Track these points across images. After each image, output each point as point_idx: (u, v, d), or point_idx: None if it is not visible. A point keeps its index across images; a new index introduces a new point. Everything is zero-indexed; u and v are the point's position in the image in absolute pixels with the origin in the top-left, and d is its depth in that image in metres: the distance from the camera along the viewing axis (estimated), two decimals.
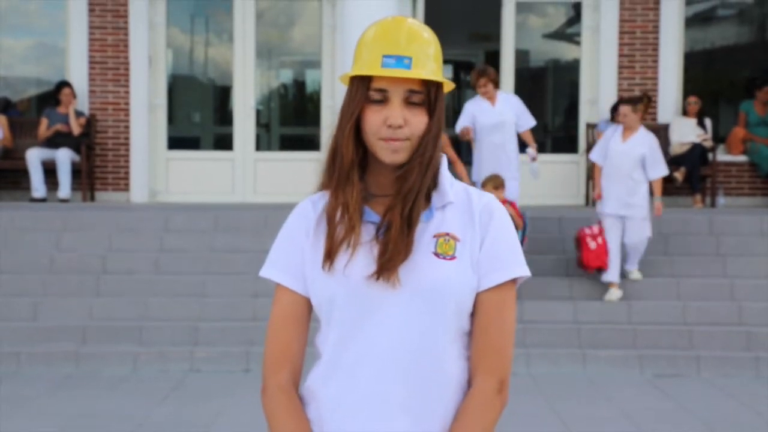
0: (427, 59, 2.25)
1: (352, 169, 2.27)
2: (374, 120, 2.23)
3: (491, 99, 10.04)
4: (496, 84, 10.06)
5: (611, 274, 9.61)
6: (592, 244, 9.62)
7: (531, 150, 10.12)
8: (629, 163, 9.56)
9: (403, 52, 2.22)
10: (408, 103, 2.23)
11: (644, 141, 9.62)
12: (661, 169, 9.61)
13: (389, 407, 2.22)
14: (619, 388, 8.53)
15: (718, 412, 7.78)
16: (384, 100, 2.23)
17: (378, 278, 2.22)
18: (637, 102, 9.69)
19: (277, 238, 2.38)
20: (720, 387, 8.64)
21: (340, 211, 2.27)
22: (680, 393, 8.36)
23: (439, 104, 2.27)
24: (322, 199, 2.33)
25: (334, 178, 2.28)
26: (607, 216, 9.66)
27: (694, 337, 9.36)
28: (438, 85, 2.27)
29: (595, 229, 9.71)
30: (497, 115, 9.99)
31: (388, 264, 2.21)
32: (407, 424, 2.23)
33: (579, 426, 7.33)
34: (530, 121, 10.15)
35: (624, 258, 9.88)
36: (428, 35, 2.29)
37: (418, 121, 2.23)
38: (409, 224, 2.23)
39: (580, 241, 9.72)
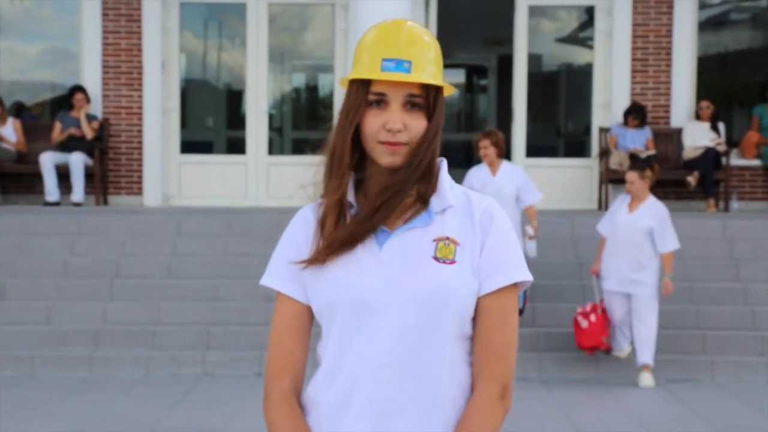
0: (427, 63, 2.24)
1: (349, 173, 2.27)
2: (373, 124, 2.21)
3: (492, 166, 9.29)
4: (500, 150, 9.29)
5: (623, 349, 8.89)
6: (584, 323, 8.79)
7: (529, 228, 9.29)
8: (635, 235, 8.67)
9: (403, 55, 2.21)
10: (407, 107, 2.22)
11: (653, 212, 8.72)
12: (671, 243, 8.69)
13: (390, 413, 2.21)
14: (631, 393, 8.52)
15: (731, 417, 7.76)
16: (383, 104, 2.22)
17: (309, 264, 2.24)
18: (644, 167, 8.75)
19: (278, 245, 2.37)
20: (733, 392, 8.61)
21: (336, 214, 2.26)
22: (693, 398, 8.34)
23: (438, 108, 2.25)
24: (323, 205, 2.32)
25: (333, 182, 2.28)
26: (611, 293, 8.81)
27: (708, 341, 9.33)
28: (438, 89, 2.25)
29: (588, 306, 8.89)
30: (496, 187, 9.07)
31: (328, 246, 2.23)
32: (409, 430, 2.22)
33: (591, 431, 7.32)
34: (534, 195, 9.28)
35: (632, 349, 8.93)
36: (428, 38, 2.27)
37: (416, 125, 2.22)
38: (375, 213, 2.22)
39: (573, 322, 8.99)
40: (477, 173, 9.38)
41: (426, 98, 2.23)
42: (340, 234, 2.24)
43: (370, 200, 2.26)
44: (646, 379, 8.71)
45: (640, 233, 8.66)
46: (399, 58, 2.20)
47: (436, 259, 2.22)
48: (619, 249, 8.73)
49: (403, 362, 2.20)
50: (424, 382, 2.21)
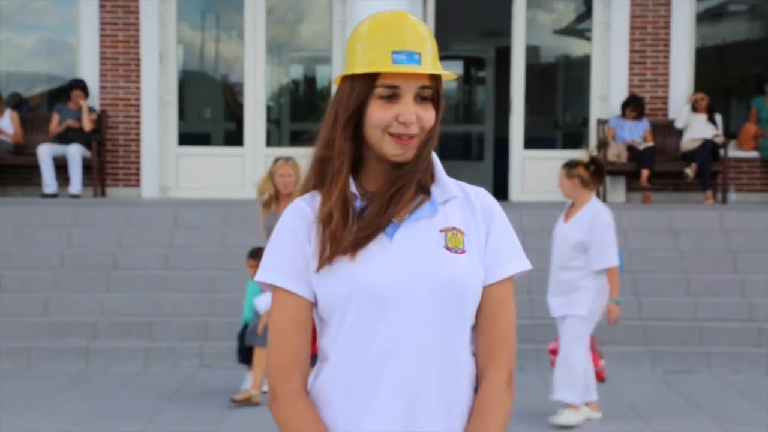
0: (430, 54, 2.25)
1: (349, 165, 2.26)
2: (383, 116, 2.21)
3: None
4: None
5: (562, 392, 7.18)
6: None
7: None
8: (565, 250, 7.14)
9: (412, 47, 2.21)
10: (417, 99, 2.23)
11: (587, 222, 7.10)
12: (605, 258, 7.03)
13: (415, 405, 2.21)
14: (629, 384, 8.52)
15: (728, 409, 7.77)
16: (394, 97, 2.21)
17: (322, 264, 2.22)
18: (575, 165, 7.22)
19: (273, 240, 2.31)
20: (730, 383, 8.62)
21: (341, 208, 2.24)
22: (691, 389, 8.35)
23: (442, 98, 2.28)
24: (316, 198, 2.29)
25: (330, 175, 2.26)
26: (557, 320, 7.38)
27: (705, 333, 9.34)
28: (440, 80, 2.27)
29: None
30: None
31: (359, 239, 2.21)
32: (433, 422, 2.22)
33: (588, 422, 7.32)
34: None
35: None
36: (426, 29, 2.28)
37: (428, 116, 2.23)
38: (388, 205, 2.23)
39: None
40: None
41: (434, 89, 2.25)
42: (359, 233, 2.22)
43: (378, 194, 2.25)
44: (566, 417, 7.14)
45: (571, 247, 7.10)
46: (409, 50, 2.21)
47: (448, 248, 2.24)
48: (554, 265, 7.26)
49: (426, 354, 2.21)
50: (446, 372, 2.23)
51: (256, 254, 7.91)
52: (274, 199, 7.85)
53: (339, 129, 2.25)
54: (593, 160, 7.37)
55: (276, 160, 7.99)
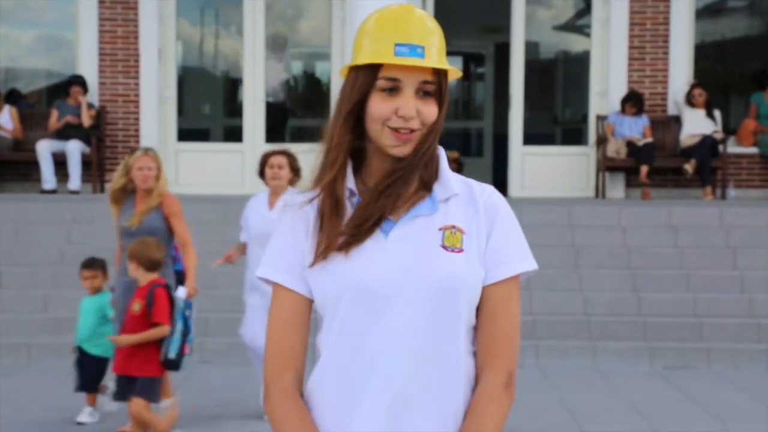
0: (435, 48, 2.22)
1: (347, 161, 2.24)
2: (383, 108, 2.18)
3: (276, 195, 7.23)
4: (295, 171, 7.17)
5: None
6: None
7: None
8: None
9: (415, 41, 2.19)
10: (419, 94, 2.20)
11: None
12: None
13: (405, 406, 2.18)
14: (628, 380, 8.53)
15: (728, 404, 7.78)
16: (395, 90, 2.19)
17: (316, 259, 2.20)
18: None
19: (274, 237, 2.31)
20: (730, 379, 8.63)
21: (331, 199, 2.23)
22: (690, 385, 8.36)
23: (446, 95, 2.25)
24: (319, 195, 2.28)
25: (330, 170, 2.24)
26: None
27: (704, 329, 9.35)
28: (445, 76, 2.24)
29: None
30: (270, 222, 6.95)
31: (350, 231, 2.19)
32: (425, 422, 2.19)
33: (588, 418, 7.33)
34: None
35: None
36: (433, 24, 2.26)
37: (429, 111, 2.21)
38: (379, 197, 2.20)
39: None
40: (252, 205, 7.42)
41: (437, 84, 2.22)
42: (347, 227, 2.20)
43: (371, 187, 2.23)
44: None
45: None
46: (412, 43, 2.18)
47: (444, 247, 2.20)
48: None
49: (419, 354, 2.18)
50: (439, 373, 2.19)
51: (89, 265, 7.19)
52: (129, 195, 7.10)
53: (340, 121, 2.23)
54: (455, 159, 6.97)
55: (134, 152, 7.09)
